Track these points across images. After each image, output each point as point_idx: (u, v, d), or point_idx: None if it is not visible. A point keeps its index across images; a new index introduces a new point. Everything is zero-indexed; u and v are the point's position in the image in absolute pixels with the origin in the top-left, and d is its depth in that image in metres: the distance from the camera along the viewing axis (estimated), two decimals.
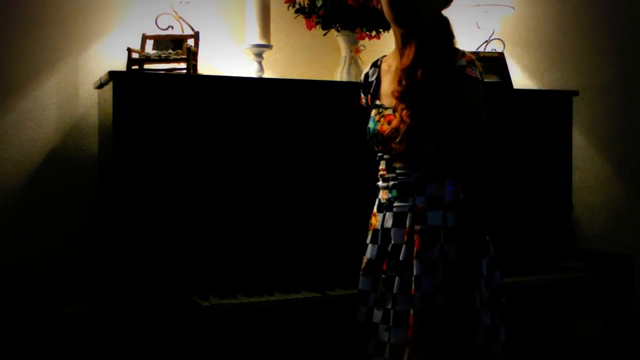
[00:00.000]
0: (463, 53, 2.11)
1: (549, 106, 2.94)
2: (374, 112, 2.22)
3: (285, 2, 2.80)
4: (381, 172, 2.19)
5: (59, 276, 2.64)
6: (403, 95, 2.08)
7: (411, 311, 2.00)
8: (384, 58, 2.31)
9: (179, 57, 2.50)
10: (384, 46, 3.02)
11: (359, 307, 2.15)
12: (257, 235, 2.39)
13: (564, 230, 2.87)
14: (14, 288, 2.59)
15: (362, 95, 2.35)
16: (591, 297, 2.72)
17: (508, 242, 2.74)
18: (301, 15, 2.80)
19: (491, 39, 3.10)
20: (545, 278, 2.65)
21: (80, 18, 2.67)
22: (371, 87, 2.28)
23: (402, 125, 2.06)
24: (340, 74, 2.85)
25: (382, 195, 2.17)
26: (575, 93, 3.00)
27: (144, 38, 2.58)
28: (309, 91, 2.56)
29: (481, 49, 3.09)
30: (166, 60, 2.49)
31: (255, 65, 2.75)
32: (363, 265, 2.18)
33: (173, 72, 2.52)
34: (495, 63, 3.01)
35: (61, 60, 2.66)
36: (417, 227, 2.05)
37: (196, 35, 2.56)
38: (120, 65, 2.55)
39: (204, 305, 2.13)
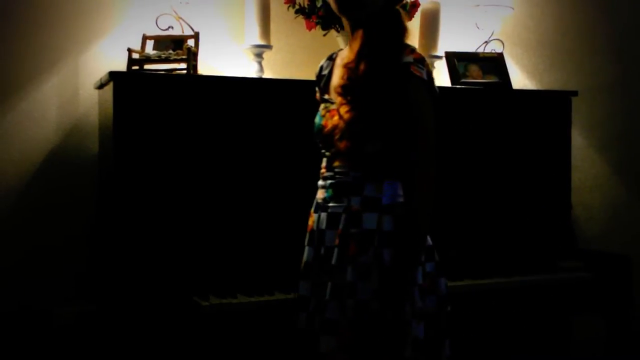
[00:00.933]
0: (412, 50, 1.95)
1: (548, 106, 2.95)
2: (321, 107, 2.09)
3: (285, 3, 2.81)
4: (322, 170, 2.07)
5: (59, 276, 2.64)
6: (344, 91, 1.95)
7: (343, 319, 1.86)
8: (340, 51, 2.18)
9: (179, 57, 2.50)
10: None
11: (298, 313, 2.00)
12: (257, 235, 2.39)
13: (563, 231, 2.88)
14: (14, 288, 2.59)
15: (316, 89, 2.20)
16: (590, 298, 2.72)
17: (507, 242, 2.74)
18: (301, 16, 2.80)
19: (491, 39, 3.11)
20: (544, 278, 2.65)
21: (80, 18, 2.68)
22: (322, 80, 2.14)
23: (340, 122, 1.94)
24: None
25: (319, 195, 2.04)
26: (575, 93, 3.01)
27: (144, 38, 2.58)
28: (309, 91, 2.55)
29: (480, 49, 3.10)
30: (166, 60, 2.50)
31: (255, 66, 2.75)
32: (301, 269, 2.03)
33: (173, 73, 2.53)
34: (495, 63, 3.01)
35: (61, 60, 2.66)
36: (352, 230, 1.90)
37: (196, 36, 2.57)
38: (121, 65, 2.55)
39: (204, 305, 2.14)
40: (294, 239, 2.42)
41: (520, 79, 3.28)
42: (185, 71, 2.49)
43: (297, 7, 2.79)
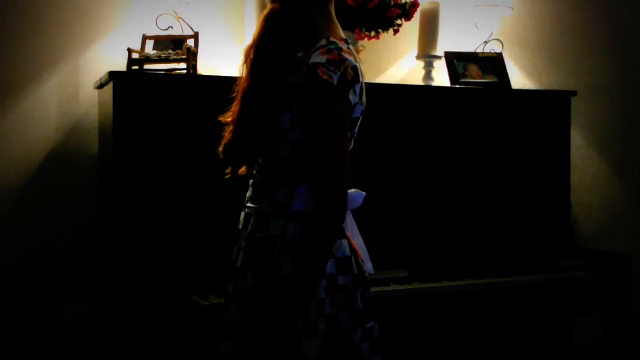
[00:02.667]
0: (330, 49, 1.71)
1: (547, 106, 2.95)
2: None
3: None
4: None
5: (59, 275, 2.65)
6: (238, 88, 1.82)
7: (241, 323, 1.77)
8: None
9: (179, 57, 2.50)
10: (384, 46, 3.03)
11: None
12: None
13: (563, 230, 2.88)
14: (14, 287, 2.60)
15: None
16: (589, 297, 2.72)
17: (507, 241, 2.75)
18: None
19: (490, 39, 3.11)
20: (543, 278, 2.65)
21: (80, 19, 2.68)
22: None
23: (231, 123, 1.83)
24: None
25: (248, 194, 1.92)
26: (574, 93, 3.01)
27: (144, 38, 2.59)
28: None
29: (480, 50, 3.10)
30: (166, 60, 2.50)
31: None
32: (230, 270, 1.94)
33: (173, 73, 2.53)
34: (494, 63, 3.02)
35: (62, 60, 2.66)
36: (258, 235, 1.79)
37: (196, 36, 2.57)
38: (121, 65, 2.55)
39: (204, 304, 2.14)
40: None
41: (519, 79, 3.28)
42: (185, 71, 2.50)
43: None
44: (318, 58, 1.68)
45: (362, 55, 2.85)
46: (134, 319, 2.18)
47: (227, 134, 1.84)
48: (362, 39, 2.81)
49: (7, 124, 2.60)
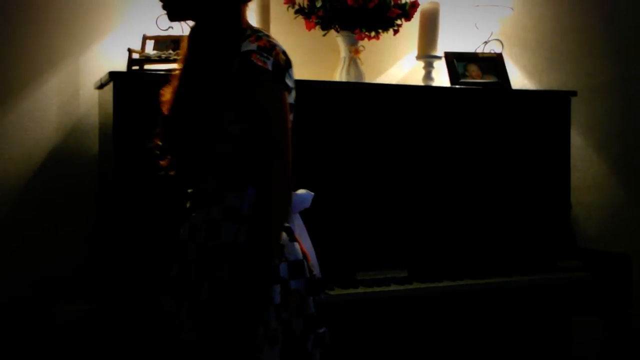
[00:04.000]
0: (260, 36, 1.69)
1: (547, 106, 2.95)
2: None
3: (284, 3, 2.81)
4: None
5: (59, 275, 2.65)
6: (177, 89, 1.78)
7: (200, 340, 1.70)
8: None
9: (179, 57, 2.50)
10: (384, 46, 3.03)
11: (162, 331, 1.83)
12: None
13: (563, 230, 2.88)
14: (15, 287, 2.59)
15: None
16: (589, 297, 2.72)
17: (507, 241, 2.75)
18: (301, 16, 2.80)
19: (490, 39, 3.11)
20: (543, 278, 2.66)
21: (80, 19, 2.68)
22: None
23: (165, 116, 1.77)
24: (339, 75, 2.86)
25: (187, 204, 1.84)
26: (574, 93, 3.01)
27: (145, 39, 2.59)
28: (308, 91, 2.56)
29: (480, 50, 3.10)
30: (166, 60, 2.50)
31: None
32: (165, 283, 1.85)
33: (173, 73, 2.52)
34: (494, 63, 3.02)
35: (62, 60, 2.66)
36: (210, 244, 1.71)
37: None
38: (121, 65, 2.55)
39: None
40: None
41: (519, 79, 3.28)
42: None
43: (296, 7, 2.80)
44: (249, 46, 1.65)
45: (362, 55, 2.87)
46: (134, 319, 2.18)
47: (161, 128, 1.78)
48: (362, 39, 2.81)
49: (7, 124, 2.60)
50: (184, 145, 1.75)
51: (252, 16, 2.72)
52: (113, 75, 2.29)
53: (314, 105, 2.55)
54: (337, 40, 2.87)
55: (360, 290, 2.36)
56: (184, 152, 1.76)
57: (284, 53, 1.70)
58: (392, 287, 2.41)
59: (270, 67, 1.64)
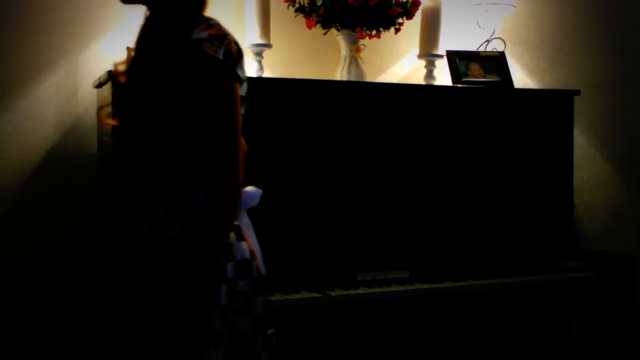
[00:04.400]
0: (211, 25, 1.64)
1: (549, 105, 2.94)
2: None
3: (285, 2, 2.80)
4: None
5: (58, 275, 2.63)
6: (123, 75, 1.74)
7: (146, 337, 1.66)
8: None
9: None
10: (385, 45, 3.02)
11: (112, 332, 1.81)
12: (256, 235, 2.37)
13: (565, 230, 2.87)
14: (13, 287, 2.59)
15: None
16: (592, 297, 2.71)
17: (509, 242, 2.73)
18: (301, 15, 2.79)
19: (492, 38, 3.10)
20: (546, 278, 2.64)
21: (79, 18, 2.67)
22: None
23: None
24: (340, 74, 2.85)
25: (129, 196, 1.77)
26: (577, 92, 3.00)
27: None
28: (309, 91, 2.55)
29: (482, 48, 3.09)
30: None
31: (255, 65, 2.75)
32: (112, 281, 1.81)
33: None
34: (496, 62, 3.00)
35: (61, 59, 2.65)
36: (156, 239, 1.64)
37: None
38: None
39: None
40: (294, 240, 2.42)
41: (521, 77, 3.27)
42: None
43: (297, 5, 2.79)
44: (200, 34, 1.61)
45: (363, 54, 2.86)
46: (134, 319, 2.16)
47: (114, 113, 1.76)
48: (363, 37, 2.80)
49: (6, 123, 2.59)
50: (131, 133, 1.70)
51: (252, 15, 2.71)
52: (112, 74, 2.28)
53: (315, 105, 2.54)
54: (338, 39, 2.85)
55: (361, 290, 2.35)
56: (131, 139, 1.70)
57: (236, 43, 1.66)
58: (394, 288, 2.40)
59: (221, 56, 1.59)
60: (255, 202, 1.82)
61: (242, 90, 1.69)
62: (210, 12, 2.79)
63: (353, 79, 2.81)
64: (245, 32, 2.74)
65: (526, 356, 2.91)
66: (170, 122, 1.62)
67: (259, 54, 2.74)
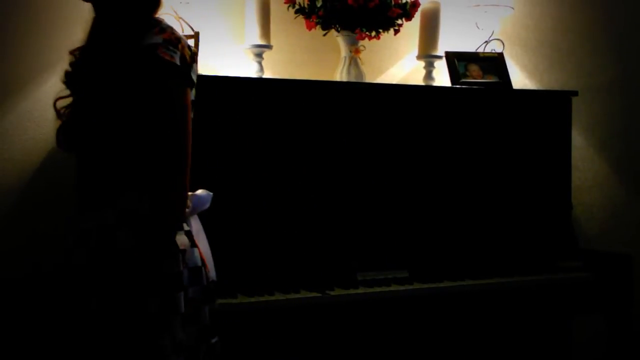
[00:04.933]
0: (164, 28, 1.58)
1: (548, 106, 2.95)
2: None
3: (285, 3, 2.81)
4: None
5: (59, 275, 2.64)
6: (67, 81, 1.68)
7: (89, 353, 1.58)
8: None
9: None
10: (384, 46, 3.02)
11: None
12: (256, 235, 2.38)
13: (563, 230, 2.87)
14: (13, 286, 2.59)
15: None
16: (591, 298, 2.72)
17: (507, 242, 2.74)
18: (301, 16, 2.80)
19: (491, 39, 3.11)
20: (544, 278, 2.65)
21: (80, 18, 2.66)
22: None
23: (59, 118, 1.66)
24: (340, 74, 2.86)
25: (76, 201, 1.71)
26: (575, 93, 3.01)
27: None
28: (309, 91, 2.56)
29: (481, 49, 3.10)
30: None
31: (255, 66, 2.75)
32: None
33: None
34: (495, 63, 3.01)
35: (62, 60, 2.61)
36: (105, 251, 1.56)
37: (196, 36, 2.57)
38: None
39: None
40: (295, 240, 2.42)
41: (520, 78, 3.28)
42: None
43: (297, 7, 2.80)
44: (153, 38, 1.55)
45: (362, 55, 2.87)
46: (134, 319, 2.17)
47: (64, 117, 1.68)
48: (363, 38, 2.81)
49: (7, 124, 2.59)
50: (79, 138, 1.64)
51: (253, 16, 2.71)
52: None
53: (315, 106, 2.54)
54: (338, 40, 2.86)
55: (361, 290, 2.35)
56: (79, 145, 1.65)
57: (189, 47, 1.63)
58: (393, 288, 2.41)
59: (177, 62, 1.55)
60: (206, 205, 1.78)
61: (192, 94, 1.66)
62: (210, 12, 2.82)
63: (353, 79, 2.81)
64: (245, 33, 2.75)
65: (525, 356, 2.92)
66: (121, 129, 1.56)
67: (259, 55, 2.75)
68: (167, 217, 1.56)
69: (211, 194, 1.78)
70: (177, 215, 1.58)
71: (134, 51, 1.55)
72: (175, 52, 1.55)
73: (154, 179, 1.56)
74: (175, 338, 1.57)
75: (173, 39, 1.57)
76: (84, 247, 1.60)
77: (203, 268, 1.67)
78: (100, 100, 1.57)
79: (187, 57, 1.59)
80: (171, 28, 1.60)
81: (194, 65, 1.63)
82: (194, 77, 1.62)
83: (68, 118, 1.66)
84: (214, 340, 1.69)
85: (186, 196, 1.60)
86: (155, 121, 1.55)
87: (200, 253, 1.68)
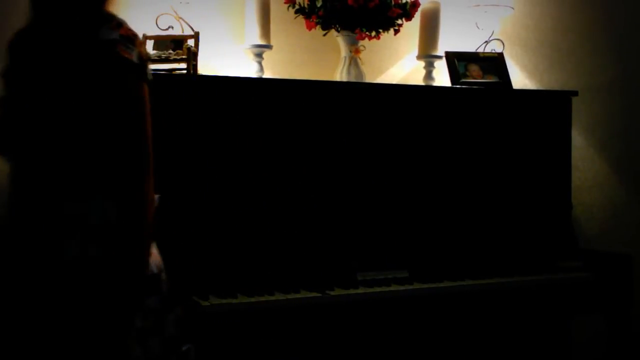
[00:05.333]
0: (120, 23, 1.48)
1: (548, 106, 2.95)
2: None
3: (285, 3, 2.81)
4: None
5: None
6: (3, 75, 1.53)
7: None
8: None
9: (179, 57, 2.50)
10: (384, 46, 3.02)
11: None
12: (257, 236, 2.39)
13: (563, 230, 2.88)
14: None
15: None
16: (591, 298, 2.72)
17: (507, 242, 2.74)
18: (301, 16, 2.80)
19: (491, 39, 3.11)
20: (544, 278, 2.65)
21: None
22: None
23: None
24: (340, 74, 2.86)
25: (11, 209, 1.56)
26: (575, 93, 3.01)
27: (144, 38, 2.58)
28: (309, 91, 2.56)
29: (481, 49, 3.10)
30: (166, 60, 2.50)
31: (255, 66, 2.75)
32: None
33: (173, 73, 2.53)
34: (495, 63, 3.01)
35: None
36: (47, 261, 1.43)
37: (196, 36, 2.57)
38: None
39: (204, 305, 2.14)
40: (295, 240, 2.42)
41: (520, 78, 3.28)
42: (185, 71, 2.49)
43: (297, 7, 2.80)
44: (110, 34, 1.44)
45: (362, 55, 2.87)
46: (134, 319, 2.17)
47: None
48: (363, 38, 2.81)
49: None
50: (21, 140, 1.48)
51: (253, 16, 2.71)
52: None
53: (315, 106, 2.54)
54: (338, 40, 2.86)
55: (361, 290, 2.35)
56: (20, 148, 1.49)
57: (142, 44, 1.58)
58: (393, 288, 2.41)
59: (135, 60, 1.45)
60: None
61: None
62: (211, 12, 2.82)
63: (353, 79, 2.82)
64: (245, 33, 2.75)
65: (525, 356, 2.92)
66: (68, 128, 1.43)
67: (259, 55, 2.75)
68: (141, 225, 1.45)
69: (158, 195, 1.61)
70: (150, 221, 1.46)
71: (89, 46, 1.43)
72: (133, 50, 1.46)
73: (115, 183, 1.44)
74: (130, 356, 1.47)
75: (130, 35, 1.48)
76: (33, 256, 1.46)
77: (160, 276, 1.56)
78: (45, 98, 1.44)
79: (144, 54, 1.51)
80: (126, 23, 1.50)
81: (148, 61, 1.53)
82: (150, 75, 1.52)
83: (2, 117, 1.51)
84: (185, 348, 1.62)
85: (154, 202, 1.50)
86: (111, 120, 1.44)
87: (156, 259, 1.57)
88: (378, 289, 2.37)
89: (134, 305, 1.47)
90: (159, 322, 1.54)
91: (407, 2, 2.82)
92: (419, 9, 2.89)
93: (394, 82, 3.11)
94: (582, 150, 3.34)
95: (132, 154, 1.44)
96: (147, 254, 1.49)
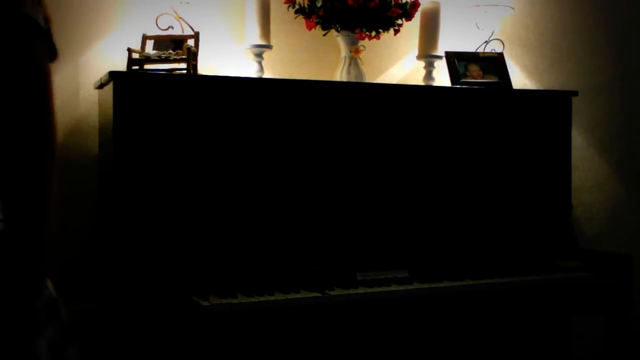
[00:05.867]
0: None
1: (548, 106, 2.95)
2: None
3: (285, 3, 2.81)
4: None
5: (59, 275, 2.64)
6: None
7: None
8: None
9: (179, 57, 2.50)
10: (384, 46, 3.03)
11: None
12: (257, 235, 2.39)
13: (563, 230, 2.88)
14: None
15: None
16: (591, 297, 2.72)
17: (507, 241, 2.74)
18: (301, 16, 2.80)
19: (491, 39, 3.11)
20: (544, 278, 2.65)
21: (80, 18, 2.67)
22: None
23: None
24: (340, 74, 2.86)
25: None
26: (575, 93, 3.01)
27: (144, 38, 2.59)
28: (309, 91, 2.56)
29: (481, 49, 3.10)
30: (166, 60, 2.50)
31: (255, 66, 2.76)
32: None
33: (173, 73, 2.53)
34: (495, 63, 3.01)
35: (61, 60, 2.61)
36: None
37: (196, 36, 2.57)
38: (121, 65, 2.55)
39: (204, 305, 2.14)
40: (295, 240, 2.43)
41: (520, 78, 3.28)
42: (185, 71, 2.49)
43: (297, 7, 2.80)
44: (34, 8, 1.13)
45: (362, 55, 2.87)
46: (134, 320, 2.17)
47: None
48: (363, 38, 2.81)
49: None
50: None
51: (253, 16, 2.71)
52: (113, 75, 2.29)
53: (315, 106, 2.54)
54: (338, 40, 2.86)
55: (361, 290, 2.35)
56: None
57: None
58: (393, 288, 2.41)
59: (43, 24, 1.16)
60: None
61: None
62: (211, 12, 2.82)
63: (353, 79, 2.82)
64: (245, 33, 2.75)
65: (525, 356, 2.93)
66: None
67: (259, 55, 2.75)
68: (35, 231, 1.22)
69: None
70: (46, 227, 1.22)
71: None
72: (39, 10, 1.15)
73: (4, 177, 1.15)
74: None
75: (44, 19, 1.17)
76: None
77: (58, 300, 1.29)
78: None
79: (49, 18, 1.19)
80: None
81: (52, 32, 1.21)
82: (58, 53, 1.23)
83: None
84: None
85: (48, 211, 1.22)
86: (6, 96, 1.12)
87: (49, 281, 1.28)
88: (378, 289, 2.37)
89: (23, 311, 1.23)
90: (58, 357, 1.27)
91: (407, 2, 2.82)
92: (419, 9, 2.89)
93: (394, 82, 3.11)
94: (582, 150, 3.34)
95: (29, 137, 1.14)
96: (41, 262, 1.26)
